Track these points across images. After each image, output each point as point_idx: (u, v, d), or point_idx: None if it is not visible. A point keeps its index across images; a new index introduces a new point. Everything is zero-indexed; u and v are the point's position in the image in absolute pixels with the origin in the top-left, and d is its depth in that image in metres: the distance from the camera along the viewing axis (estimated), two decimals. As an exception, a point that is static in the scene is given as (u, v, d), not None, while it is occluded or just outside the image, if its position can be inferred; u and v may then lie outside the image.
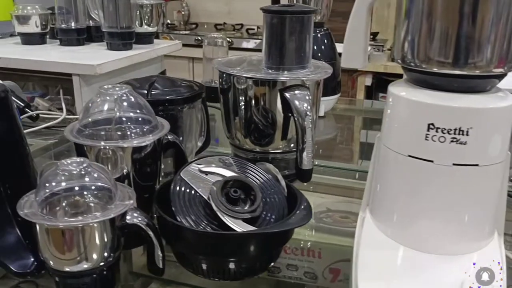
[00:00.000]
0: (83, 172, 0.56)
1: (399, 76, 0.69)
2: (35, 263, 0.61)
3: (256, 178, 0.67)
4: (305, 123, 0.69)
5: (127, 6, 1.35)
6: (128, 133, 0.63)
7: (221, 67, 0.77)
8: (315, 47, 1.27)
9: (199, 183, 0.64)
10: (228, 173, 0.66)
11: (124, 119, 0.64)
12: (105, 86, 0.65)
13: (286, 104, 0.71)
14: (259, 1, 3.24)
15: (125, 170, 0.64)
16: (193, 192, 0.63)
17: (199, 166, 0.66)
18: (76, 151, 0.65)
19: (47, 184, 0.56)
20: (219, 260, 0.60)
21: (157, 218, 0.62)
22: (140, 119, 0.65)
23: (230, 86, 0.76)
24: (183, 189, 0.63)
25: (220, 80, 0.79)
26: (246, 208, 0.62)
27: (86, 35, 1.48)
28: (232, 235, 0.57)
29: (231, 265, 0.60)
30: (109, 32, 1.37)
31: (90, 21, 1.51)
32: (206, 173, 0.65)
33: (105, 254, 0.56)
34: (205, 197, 0.62)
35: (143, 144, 0.62)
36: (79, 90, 1.21)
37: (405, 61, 0.54)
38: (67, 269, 0.56)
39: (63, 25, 1.44)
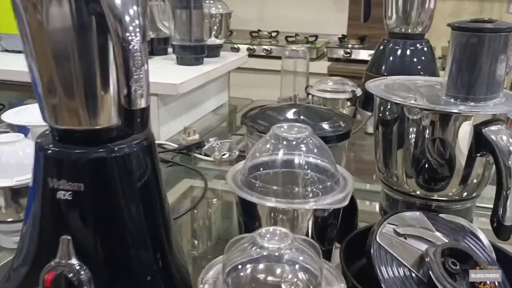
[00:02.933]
0: (286, 250, 0.42)
1: None
2: None
3: (461, 240, 0.53)
4: (510, 163, 0.55)
5: (200, 17, 1.22)
6: (310, 189, 0.49)
7: (384, 94, 0.63)
8: (414, 59, 1.14)
9: (401, 251, 0.50)
10: (426, 234, 0.52)
11: (305, 167, 0.50)
12: (281, 127, 0.51)
13: (482, 141, 0.57)
14: (291, 7, 3.10)
15: (303, 231, 0.50)
16: (398, 264, 0.49)
17: (393, 226, 0.52)
18: (239, 202, 0.52)
19: (239, 266, 0.42)
20: None
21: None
22: (321, 168, 0.51)
23: (396, 116, 0.63)
24: (385, 259, 0.49)
25: (381, 108, 0.65)
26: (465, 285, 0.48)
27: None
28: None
29: None
30: (181, 45, 1.23)
31: (151, 32, 1.38)
32: (405, 236, 0.52)
33: None
34: (413, 270, 0.49)
35: (338, 206, 0.48)
36: (156, 111, 1.07)
37: None
38: None
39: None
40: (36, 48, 0.44)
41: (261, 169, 0.51)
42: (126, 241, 0.48)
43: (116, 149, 0.46)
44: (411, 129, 0.62)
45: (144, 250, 0.48)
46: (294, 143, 0.50)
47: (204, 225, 0.84)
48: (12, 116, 0.80)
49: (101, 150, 0.46)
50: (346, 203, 0.48)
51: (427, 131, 0.61)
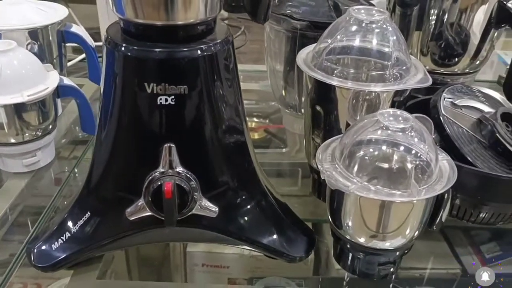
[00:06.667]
0: (404, 132, 0.43)
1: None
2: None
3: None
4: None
5: None
6: (389, 72, 0.50)
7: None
8: None
9: (462, 120, 0.55)
10: (478, 105, 0.57)
11: (386, 52, 0.50)
12: (360, 10, 0.50)
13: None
14: None
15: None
16: (465, 132, 0.54)
17: (450, 99, 0.56)
18: (315, 88, 0.51)
19: (360, 147, 0.43)
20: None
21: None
22: (393, 54, 0.51)
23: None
24: (455, 129, 0.53)
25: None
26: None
27: None
28: None
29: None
30: None
31: None
32: (461, 107, 0.56)
33: (416, 233, 0.46)
34: (476, 135, 0.54)
35: (425, 85, 0.50)
36: None
37: None
38: (376, 245, 0.45)
39: None
40: None
41: (337, 54, 0.50)
42: (227, 146, 0.45)
43: (211, 46, 0.42)
44: (432, 11, 0.66)
45: (244, 156, 0.47)
46: (373, 25, 0.49)
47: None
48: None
49: (196, 47, 0.41)
50: (430, 81, 0.50)
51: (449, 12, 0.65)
